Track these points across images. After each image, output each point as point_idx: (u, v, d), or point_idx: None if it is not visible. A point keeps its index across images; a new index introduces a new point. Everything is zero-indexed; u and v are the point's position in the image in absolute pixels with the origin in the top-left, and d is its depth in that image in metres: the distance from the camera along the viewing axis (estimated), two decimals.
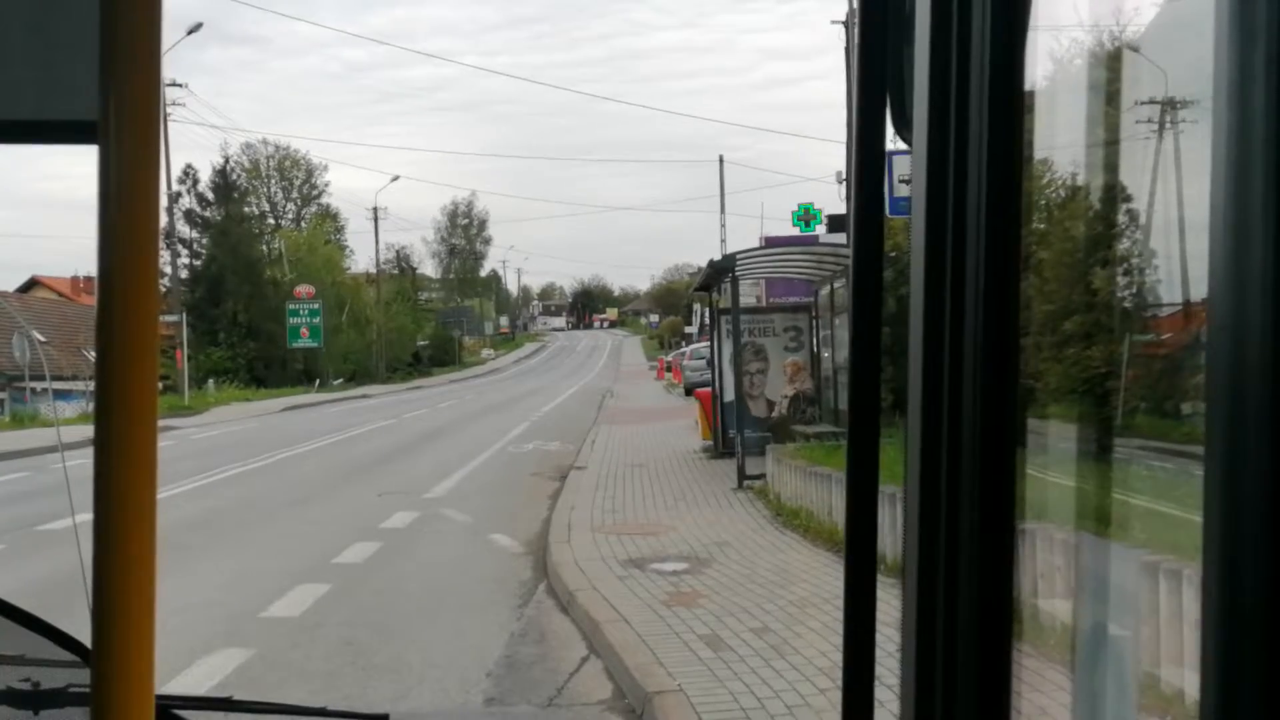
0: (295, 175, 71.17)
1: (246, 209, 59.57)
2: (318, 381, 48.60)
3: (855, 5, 0.91)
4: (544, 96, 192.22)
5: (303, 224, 67.07)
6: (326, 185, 75.12)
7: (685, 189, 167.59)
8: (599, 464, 16.56)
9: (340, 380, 52.28)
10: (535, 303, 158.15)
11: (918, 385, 0.79)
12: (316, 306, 51.00)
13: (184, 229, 50.61)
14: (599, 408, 31.60)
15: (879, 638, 0.83)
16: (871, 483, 0.84)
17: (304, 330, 50.71)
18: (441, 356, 77.59)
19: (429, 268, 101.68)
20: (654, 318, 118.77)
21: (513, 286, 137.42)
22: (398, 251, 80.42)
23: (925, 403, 0.78)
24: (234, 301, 49.45)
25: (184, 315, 37.14)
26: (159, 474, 0.65)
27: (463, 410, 32.12)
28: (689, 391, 35.95)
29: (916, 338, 0.79)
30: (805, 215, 32.45)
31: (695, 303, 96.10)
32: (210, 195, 52.12)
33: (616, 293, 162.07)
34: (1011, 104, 0.74)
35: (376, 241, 63.16)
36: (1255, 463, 0.47)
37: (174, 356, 37.76)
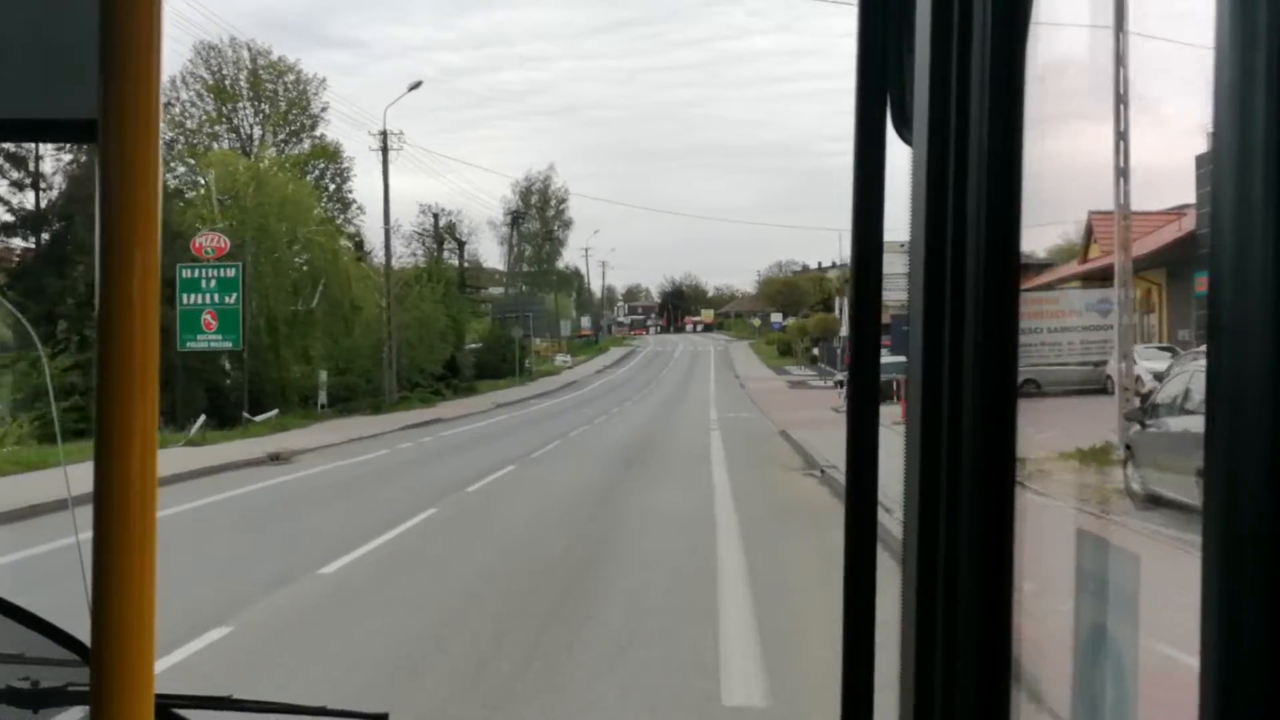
0: (278, 94, 47.40)
1: None
2: (199, 420, 23.99)
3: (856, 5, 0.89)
4: (638, 100, 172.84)
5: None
6: (323, 110, 48.18)
7: (779, 194, 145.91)
8: None
9: (272, 414, 28.13)
10: (620, 304, 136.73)
11: (917, 385, 0.79)
12: (231, 275, 27.05)
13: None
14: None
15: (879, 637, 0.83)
16: (872, 482, 0.85)
17: (208, 319, 26.90)
18: (498, 365, 54.21)
19: (495, 259, 78.75)
20: (775, 317, 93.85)
21: (596, 283, 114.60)
22: (435, 213, 56.44)
23: (925, 402, 0.78)
24: (76, 269, 26.01)
25: None
26: None
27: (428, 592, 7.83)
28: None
29: (916, 338, 0.79)
30: None
31: (837, 295, 71.64)
32: None
33: (711, 293, 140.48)
34: (1011, 104, 0.74)
35: (385, 181, 39.58)
36: (1257, 460, 0.46)
37: None
